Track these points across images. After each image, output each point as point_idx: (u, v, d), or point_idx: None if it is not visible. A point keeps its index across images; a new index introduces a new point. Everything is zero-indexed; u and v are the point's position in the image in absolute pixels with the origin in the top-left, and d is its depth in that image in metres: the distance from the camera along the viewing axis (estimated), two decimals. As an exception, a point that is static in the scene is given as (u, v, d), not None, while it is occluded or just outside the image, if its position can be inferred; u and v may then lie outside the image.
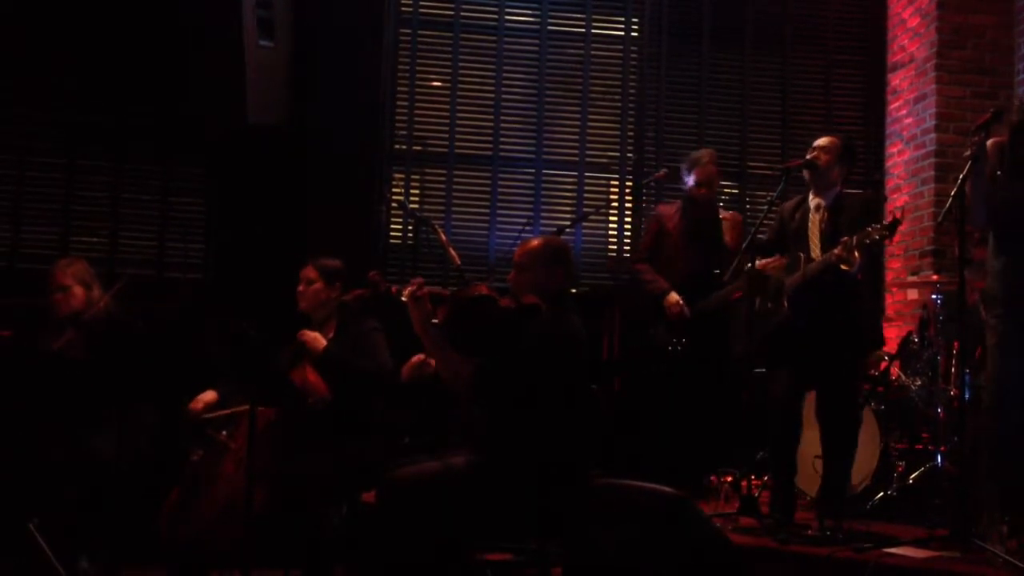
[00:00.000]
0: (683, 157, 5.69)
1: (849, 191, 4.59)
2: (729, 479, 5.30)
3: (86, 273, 4.56)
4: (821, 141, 4.53)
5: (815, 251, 4.38)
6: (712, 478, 5.37)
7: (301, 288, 4.36)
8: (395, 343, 4.28)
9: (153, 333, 4.45)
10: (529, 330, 3.47)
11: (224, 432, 4.14)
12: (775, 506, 4.40)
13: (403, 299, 3.60)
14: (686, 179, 5.49)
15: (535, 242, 3.72)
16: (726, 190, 6.85)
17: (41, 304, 4.61)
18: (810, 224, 4.46)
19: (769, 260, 4.51)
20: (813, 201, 4.49)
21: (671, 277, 5.34)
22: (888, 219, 4.24)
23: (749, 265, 4.43)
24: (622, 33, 6.88)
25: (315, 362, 4.13)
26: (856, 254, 4.12)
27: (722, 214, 5.30)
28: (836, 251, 4.16)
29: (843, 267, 4.15)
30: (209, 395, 4.26)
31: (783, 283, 4.40)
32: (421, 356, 3.99)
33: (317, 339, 4.17)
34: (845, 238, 4.15)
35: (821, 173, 4.46)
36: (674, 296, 5.23)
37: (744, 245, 4.49)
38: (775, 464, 4.46)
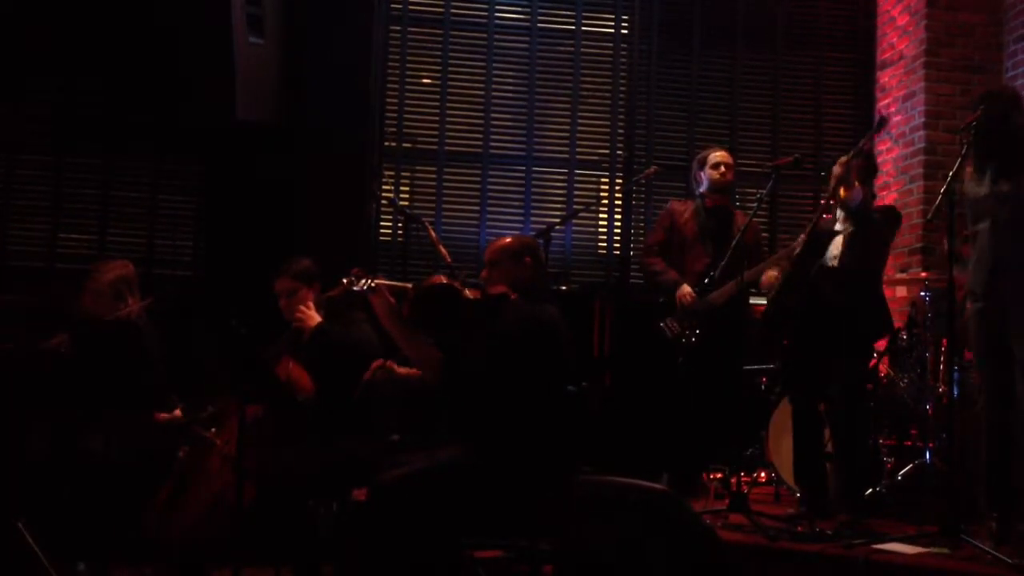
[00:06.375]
0: (674, 155, 5.67)
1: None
2: (719, 476, 5.31)
3: (123, 283, 4.47)
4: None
5: (835, 249, 4.44)
6: (702, 475, 5.38)
7: (284, 303, 4.27)
8: (382, 336, 4.27)
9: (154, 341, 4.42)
10: (500, 319, 3.50)
11: (212, 429, 4.13)
12: (810, 502, 4.48)
13: (354, 290, 3.67)
14: (702, 178, 5.41)
15: (503, 240, 3.81)
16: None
17: (39, 302, 4.59)
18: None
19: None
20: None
21: (682, 273, 5.32)
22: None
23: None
24: (612, 30, 6.88)
25: (311, 336, 4.11)
26: (854, 180, 4.17)
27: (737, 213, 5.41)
28: (836, 169, 4.24)
29: (843, 193, 4.19)
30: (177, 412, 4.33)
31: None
32: (380, 361, 4.03)
33: (313, 316, 4.16)
34: (843, 158, 4.22)
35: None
36: (686, 288, 5.20)
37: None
38: (804, 462, 4.54)
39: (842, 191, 4.20)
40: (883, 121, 4.26)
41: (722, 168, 5.35)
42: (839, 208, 4.39)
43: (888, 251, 4.69)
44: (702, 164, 5.41)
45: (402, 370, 4.02)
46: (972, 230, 4.03)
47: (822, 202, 4.43)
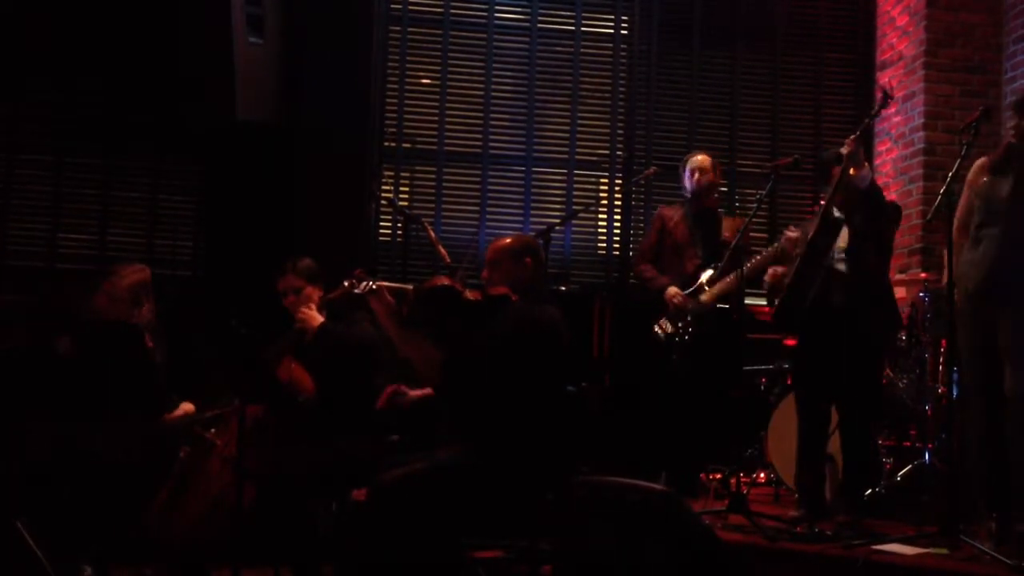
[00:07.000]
0: (673, 155, 5.70)
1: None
2: (719, 476, 5.31)
3: (141, 288, 4.45)
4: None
5: (841, 242, 4.43)
6: (701, 475, 5.39)
7: (292, 299, 4.27)
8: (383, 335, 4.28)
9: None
10: (501, 320, 3.51)
11: (212, 430, 4.14)
12: (808, 504, 4.45)
13: (356, 292, 3.68)
14: (685, 183, 5.51)
15: (504, 240, 3.81)
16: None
17: (39, 302, 4.58)
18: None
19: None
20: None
21: (674, 276, 5.37)
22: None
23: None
24: (612, 31, 6.88)
25: (315, 336, 4.12)
26: (863, 159, 4.17)
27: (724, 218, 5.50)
28: (844, 148, 4.22)
29: (852, 172, 4.18)
30: (187, 406, 4.32)
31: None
32: (393, 387, 4.05)
33: (315, 317, 4.18)
34: (848, 139, 4.20)
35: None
36: (673, 289, 5.27)
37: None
38: (807, 464, 4.51)
39: (852, 170, 4.18)
40: (887, 97, 4.21)
41: (697, 174, 5.47)
42: (843, 195, 4.34)
43: (892, 246, 4.67)
44: (684, 169, 5.54)
45: (415, 392, 4.04)
46: (979, 235, 4.00)
47: (827, 191, 4.40)
